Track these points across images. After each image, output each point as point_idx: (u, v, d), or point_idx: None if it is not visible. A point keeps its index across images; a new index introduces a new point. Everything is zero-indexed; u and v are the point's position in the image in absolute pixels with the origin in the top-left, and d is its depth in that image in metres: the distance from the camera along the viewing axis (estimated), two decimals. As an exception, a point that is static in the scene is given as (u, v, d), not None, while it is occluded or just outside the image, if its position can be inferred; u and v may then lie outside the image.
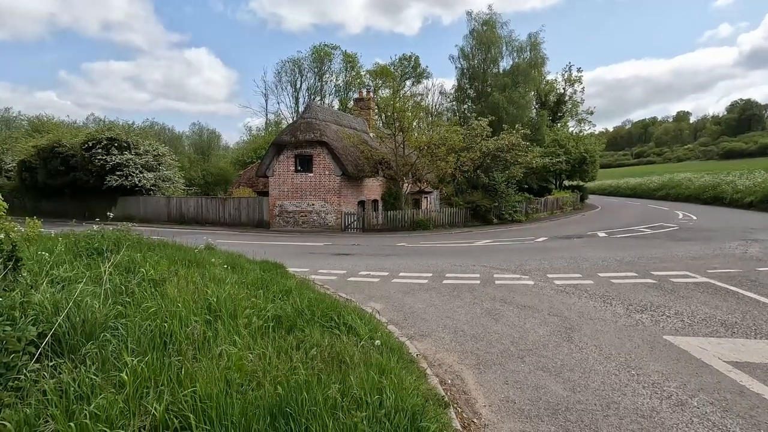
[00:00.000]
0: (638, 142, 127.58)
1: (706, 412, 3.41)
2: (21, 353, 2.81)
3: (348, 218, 20.51)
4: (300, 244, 15.14)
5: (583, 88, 41.22)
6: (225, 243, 12.11)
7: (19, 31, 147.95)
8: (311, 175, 20.89)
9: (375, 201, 23.85)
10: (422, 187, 25.01)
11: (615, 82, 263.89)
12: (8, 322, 2.92)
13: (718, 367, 4.20)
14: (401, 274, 8.95)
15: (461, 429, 3.15)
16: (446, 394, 3.69)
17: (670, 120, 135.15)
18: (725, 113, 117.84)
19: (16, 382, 2.65)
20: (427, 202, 28.31)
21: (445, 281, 8.17)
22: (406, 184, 23.42)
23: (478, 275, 8.60)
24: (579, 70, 40.78)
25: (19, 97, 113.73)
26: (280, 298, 5.13)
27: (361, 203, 22.47)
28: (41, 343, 2.96)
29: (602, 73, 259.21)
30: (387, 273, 9.05)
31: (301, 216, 21.17)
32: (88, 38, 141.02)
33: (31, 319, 3.14)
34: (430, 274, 8.80)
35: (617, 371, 4.19)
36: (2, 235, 3.93)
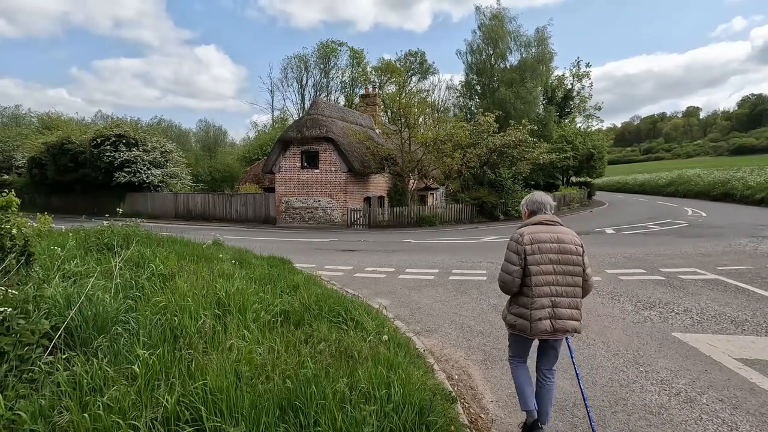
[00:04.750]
0: (647, 137, 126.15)
1: (715, 409, 3.39)
2: (35, 346, 2.86)
3: (354, 214, 20.54)
4: (306, 240, 15.20)
5: (592, 83, 40.92)
6: (232, 239, 12.19)
7: (33, 29, 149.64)
8: (317, 171, 20.93)
9: (381, 197, 23.85)
10: (428, 184, 24.96)
11: (624, 77, 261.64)
12: (22, 316, 2.97)
13: (728, 365, 4.17)
14: (407, 270, 8.96)
15: (468, 424, 3.16)
16: (453, 389, 3.71)
17: (680, 115, 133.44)
18: (736, 108, 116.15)
19: (30, 374, 2.70)
20: (433, 199, 28.27)
21: (451, 277, 8.17)
22: (412, 181, 23.38)
23: (484, 271, 8.59)
24: (588, 65, 40.51)
25: (30, 94, 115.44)
26: (287, 294, 5.16)
27: (367, 199, 22.49)
28: (54, 336, 3.01)
29: (612, 68, 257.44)
30: (393, 269, 9.07)
31: (308, 212, 21.24)
32: (100, 36, 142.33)
33: (44, 313, 3.19)
34: (437, 271, 8.80)
35: (625, 368, 4.17)
36: (15, 231, 3.98)
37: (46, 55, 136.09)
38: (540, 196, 3.10)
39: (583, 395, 2.95)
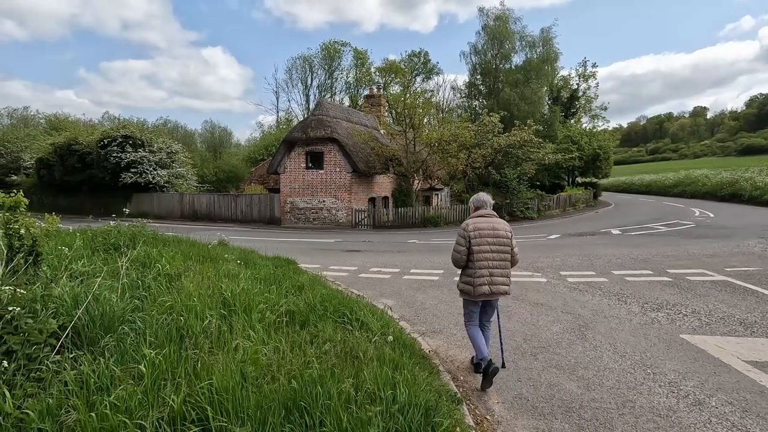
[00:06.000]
0: (653, 138, 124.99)
1: (724, 412, 3.35)
2: (43, 345, 2.88)
3: (358, 215, 20.55)
4: (311, 240, 15.22)
5: (598, 83, 40.61)
6: (237, 239, 12.24)
7: (42, 31, 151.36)
8: (322, 172, 20.96)
9: (385, 198, 23.85)
10: (433, 184, 24.92)
11: (631, 77, 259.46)
12: (30, 315, 2.99)
13: (737, 367, 4.12)
14: (412, 270, 8.95)
15: (474, 426, 3.14)
16: (459, 390, 3.69)
17: (687, 116, 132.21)
18: (744, 108, 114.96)
19: (38, 372, 2.72)
20: (437, 199, 28.22)
21: (456, 278, 8.12)
22: (417, 181, 23.36)
23: (489, 272, 8.54)
24: (594, 65, 40.16)
25: (39, 96, 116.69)
26: (292, 294, 5.16)
27: (372, 200, 22.49)
28: (62, 335, 3.03)
29: (619, 68, 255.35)
30: (398, 270, 9.06)
31: (312, 213, 21.27)
32: (108, 37, 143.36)
33: (52, 312, 3.21)
34: (442, 271, 8.78)
35: (633, 369, 4.14)
36: (23, 231, 4.02)
37: (55, 57, 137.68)
38: (483, 196, 4.20)
39: (500, 339, 4.20)
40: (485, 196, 4.19)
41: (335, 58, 48.91)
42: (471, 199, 4.27)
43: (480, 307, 4.09)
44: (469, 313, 4.12)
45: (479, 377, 4.11)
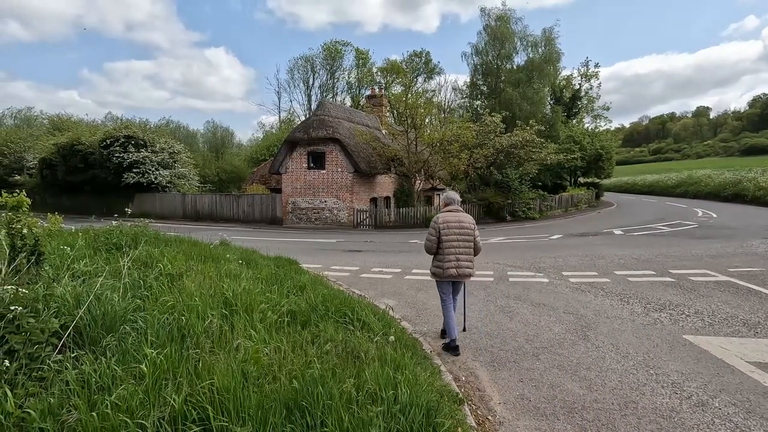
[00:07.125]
0: (656, 138, 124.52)
1: (728, 413, 3.33)
2: (44, 344, 2.88)
3: (360, 215, 20.54)
4: (313, 240, 15.22)
5: (600, 83, 40.48)
6: (239, 239, 12.26)
7: (46, 32, 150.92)
8: (324, 172, 20.96)
9: (387, 198, 23.84)
10: (434, 184, 24.90)
11: (634, 77, 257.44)
12: (32, 314, 2.99)
13: (741, 368, 4.10)
14: (414, 270, 8.93)
15: (476, 426, 3.13)
16: (460, 390, 3.68)
17: (690, 116, 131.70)
18: (747, 108, 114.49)
19: (39, 372, 2.72)
20: (439, 199, 28.18)
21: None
22: (419, 181, 23.34)
23: (491, 272, 8.54)
24: (596, 65, 40.20)
25: (42, 96, 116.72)
26: (294, 294, 5.16)
27: (374, 200, 22.48)
28: (64, 335, 3.03)
29: (621, 68, 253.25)
30: (400, 270, 9.05)
31: (314, 213, 21.28)
32: (112, 38, 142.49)
33: (54, 312, 3.21)
34: (443, 271, 8.76)
35: (635, 370, 4.12)
36: (26, 230, 4.03)
37: (58, 58, 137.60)
38: (452, 194, 4.96)
39: (464, 310, 5.26)
40: (454, 194, 4.95)
41: (337, 58, 48.94)
42: (442, 196, 5.03)
43: (451, 287, 4.83)
44: (443, 294, 4.82)
45: (482, 377, 4.12)
